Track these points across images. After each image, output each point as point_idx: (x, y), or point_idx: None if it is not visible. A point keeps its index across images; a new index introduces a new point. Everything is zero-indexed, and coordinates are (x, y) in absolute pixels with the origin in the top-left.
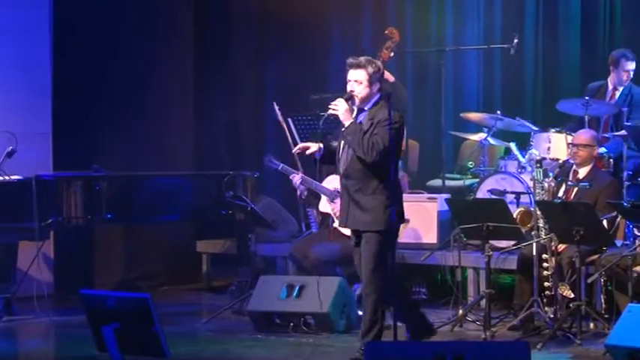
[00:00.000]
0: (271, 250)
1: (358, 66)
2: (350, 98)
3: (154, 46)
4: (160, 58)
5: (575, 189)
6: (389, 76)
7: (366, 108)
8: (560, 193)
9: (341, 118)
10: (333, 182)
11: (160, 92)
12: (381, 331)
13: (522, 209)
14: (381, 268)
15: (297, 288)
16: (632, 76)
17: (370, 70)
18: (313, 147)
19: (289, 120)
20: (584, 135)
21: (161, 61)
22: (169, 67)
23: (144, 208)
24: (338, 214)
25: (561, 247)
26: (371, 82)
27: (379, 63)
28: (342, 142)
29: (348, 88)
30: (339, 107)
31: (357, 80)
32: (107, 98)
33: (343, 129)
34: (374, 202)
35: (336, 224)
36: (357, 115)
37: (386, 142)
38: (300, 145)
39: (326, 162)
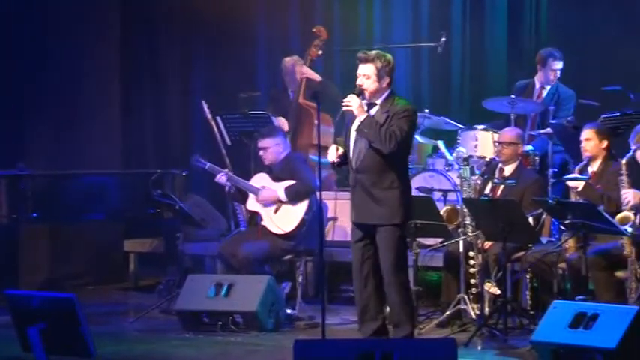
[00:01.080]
0: (199, 248)
1: (367, 60)
2: (360, 93)
3: (81, 45)
4: (87, 58)
5: (502, 187)
6: (315, 75)
7: (377, 102)
8: (487, 191)
9: (355, 113)
10: (260, 181)
11: (87, 91)
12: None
13: (449, 207)
14: (403, 261)
15: (225, 287)
16: (559, 75)
17: (379, 64)
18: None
19: (218, 119)
20: (509, 133)
21: (87, 61)
22: (96, 67)
23: (70, 207)
24: (260, 202)
25: (487, 244)
26: (380, 76)
27: (389, 57)
28: (353, 137)
29: (358, 82)
30: (352, 103)
31: (366, 74)
32: (33, 97)
33: (359, 124)
34: (390, 195)
35: (264, 222)
36: (368, 109)
37: (403, 132)
38: (342, 150)
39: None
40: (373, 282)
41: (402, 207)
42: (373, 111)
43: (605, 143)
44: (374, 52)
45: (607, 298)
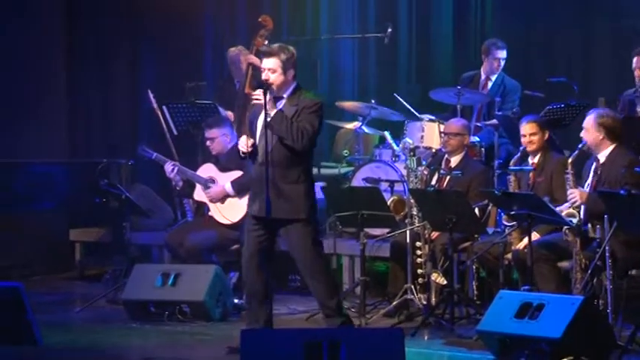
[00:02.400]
0: (146, 238)
1: (270, 54)
2: (267, 88)
3: (25, 33)
4: (32, 46)
5: (448, 177)
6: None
7: (284, 95)
8: (433, 182)
9: (266, 108)
10: (207, 171)
11: (32, 79)
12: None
13: (395, 197)
14: (320, 250)
15: (172, 276)
16: (502, 64)
17: (283, 57)
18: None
19: (164, 108)
20: (454, 124)
21: (32, 49)
22: (41, 55)
23: (16, 196)
24: (211, 200)
25: (434, 234)
26: (285, 69)
27: (292, 49)
28: (259, 131)
29: (263, 77)
30: (261, 97)
31: (271, 68)
32: None
33: (270, 119)
34: (296, 190)
35: (211, 212)
36: (276, 103)
37: (315, 128)
38: (252, 141)
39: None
40: (263, 274)
41: (309, 201)
42: (280, 105)
43: (547, 134)
44: (276, 45)
45: (549, 289)
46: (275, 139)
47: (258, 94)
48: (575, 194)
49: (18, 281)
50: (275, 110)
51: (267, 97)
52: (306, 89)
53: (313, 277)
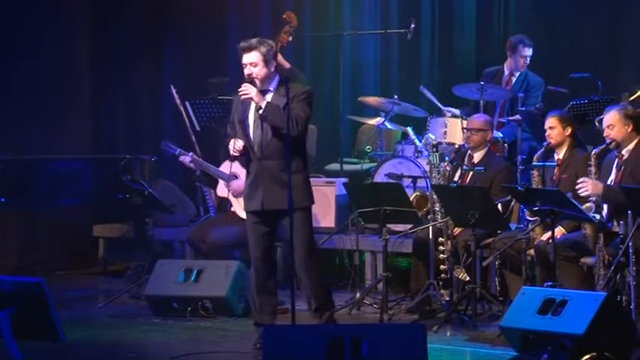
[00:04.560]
0: (169, 234)
1: (250, 48)
2: (251, 82)
3: (50, 28)
4: (56, 41)
5: (471, 173)
6: (284, 62)
7: (271, 88)
8: (456, 177)
9: (255, 100)
10: (230, 166)
11: (57, 76)
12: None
13: (418, 193)
14: (314, 243)
15: (194, 272)
16: (528, 62)
17: (263, 49)
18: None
19: (187, 104)
20: (477, 119)
21: (57, 46)
22: (66, 52)
23: (39, 191)
24: (236, 197)
25: (457, 230)
26: (267, 62)
27: (271, 41)
28: (252, 125)
29: (246, 72)
30: (249, 91)
31: (252, 63)
32: (1, 83)
33: (260, 111)
34: (298, 179)
35: (234, 208)
36: (264, 96)
37: (307, 114)
38: (240, 143)
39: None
40: (274, 269)
41: (309, 189)
42: (268, 98)
43: (569, 130)
44: (255, 39)
45: (572, 286)
46: (269, 133)
47: (245, 88)
48: (587, 185)
49: (41, 277)
50: (264, 102)
51: (256, 90)
52: (292, 80)
53: (309, 268)
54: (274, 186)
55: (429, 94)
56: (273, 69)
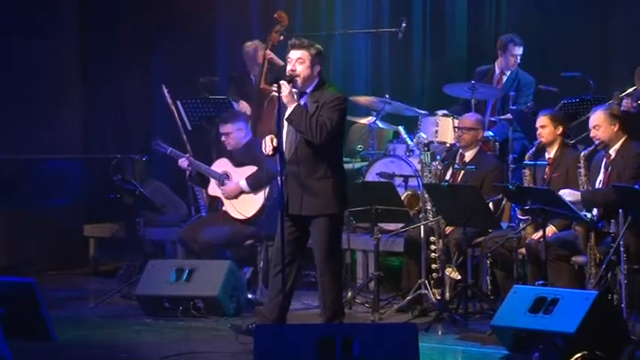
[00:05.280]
0: (160, 234)
1: (301, 46)
2: (291, 80)
3: (40, 28)
4: (46, 41)
5: (462, 172)
6: (278, 60)
7: (307, 91)
8: (447, 176)
9: (284, 101)
10: (222, 166)
11: (47, 77)
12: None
13: (409, 192)
14: (337, 250)
15: (186, 272)
16: (519, 61)
17: (313, 51)
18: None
19: (178, 103)
20: (469, 118)
21: (47, 45)
22: (56, 50)
23: (30, 191)
24: (227, 199)
25: (448, 229)
26: (313, 63)
27: (321, 47)
28: (286, 127)
29: (289, 67)
30: (283, 90)
31: (300, 59)
32: None
33: (289, 114)
34: (324, 185)
35: (225, 207)
36: (299, 98)
37: (333, 122)
38: (274, 141)
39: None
40: (295, 263)
41: (336, 197)
42: (303, 100)
43: (560, 129)
44: (306, 40)
45: (562, 284)
46: (298, 138)
47: (276, 88)
48: (564, 194)
49: (32, 277)
50: (295, 104)
51: (289, 89)
52: (329, 84)
53: (324, 275)
54: (298, 191)
55: (416, 110)
56: (316, 72)
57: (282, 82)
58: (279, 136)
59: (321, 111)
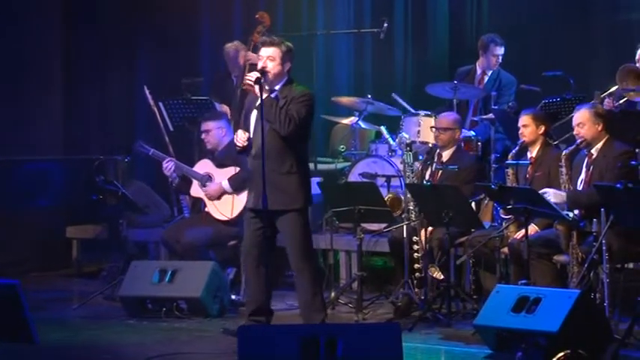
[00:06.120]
0: (143, 235)
1: (272, 44)
2: (263, 74)
3: (21, 29)
4: (28, 44)
5: (440, 171)
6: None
7: (276, 88)
8: (427, 176)
9: (255, 90)
10: (204, 167)
11: (28, 77)
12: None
13: (390, 195)
14: (310, 246)
15: (169, 273)
16: (500, 60)
17: (284, 48)
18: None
19: (160, 104)
20: (445, 118)
21: (28, 47)
22: (37, 52)
23: (12, 193)
24: (209, 198)
25: (431, 229)
26: (283, 60)
27: (292, 45)
28: (253, 123)
29: (260, 64)
30: (253, 79)
31: (270, 56)
32: None
33: (258, 103)
34: (290, 180)
35: (208, 208)
36: (269, 94)
37: (301, 116)
38: (247, 134)
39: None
40: (262, 267)
41: (302, 192)
42: (273, 97)
43: (542, 128)
44: (277, 37)
45: (544, 283)
46: (265, 133)
47: (251, 75)
48: (548, 194)
49: (14, 278)
50: (266, 95)
51: (260, 85)
52: (297, 82)
53: (302, 273)
54: (266, 186)
55: (400, 100)
56: (286, 70)
57: (254, 72)
58: (248, 133)
59: (289, 105)
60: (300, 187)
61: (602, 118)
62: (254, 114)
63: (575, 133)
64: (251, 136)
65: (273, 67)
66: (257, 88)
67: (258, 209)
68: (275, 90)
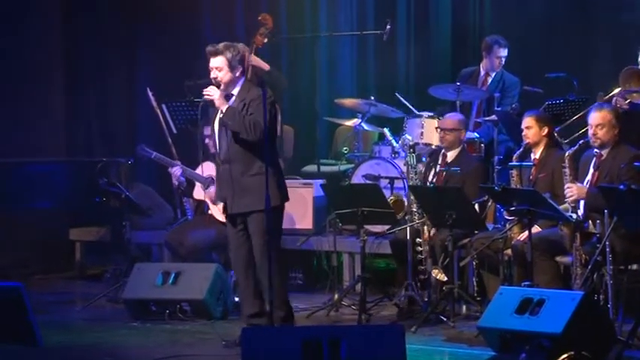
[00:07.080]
0: (146, 237)
1: (216, 53)
2: (218, 86)
3: (22, 31)
4: (29, 45)
5: (444, 173)
6: (263, 64)
7: (233, 93)
8: (431, 178)
9: (216, 104)
10: (208, 170)
11: (31, 79)
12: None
13: (393, 198)
14: (276, 246)
15: (172, 275)
16: (504, 62)
17: (229, 55)
18: None
19: (163, 106)
20: (451, 119)
21: (30, 49)
22: (39, 54)
23: (15, 195)
24: (213, 200)
25: (433, 230)
26: (232, 67)
27: (239, 46)
28: (218, 128)
29: (212, 75)
30: (213, 93)
31: (218, 67)
32: None
33: (221, 115)
34: (258, 181)
35: (211, 211)
36: (228, 100)
37: (265, 117)
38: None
39: None
40: (251, 269)
41: (272, 191)
42: (232, 101)
43: (545, 130)
44: (222, 44)
45: (544, 281)
46: (230, 137)
47: (209, 90)
48: (572, 189)
49: (18, 281)
50: (227, 105)
51: (219, 93)
52: (252, 83)
53: (265, 272)
54: (235, 189)
55: (404, 101)
56: (238, 74)
57: (212, 87)
58: (213, 139)
59: (249, 108)
60: (270, 187)
61: (620, 121)
62: (217, 122)
63: (591, 133)
64: (216, 142)
65: (222, 75)
66: (218, 97)
67: (231, 214)
68: (232, 95)
